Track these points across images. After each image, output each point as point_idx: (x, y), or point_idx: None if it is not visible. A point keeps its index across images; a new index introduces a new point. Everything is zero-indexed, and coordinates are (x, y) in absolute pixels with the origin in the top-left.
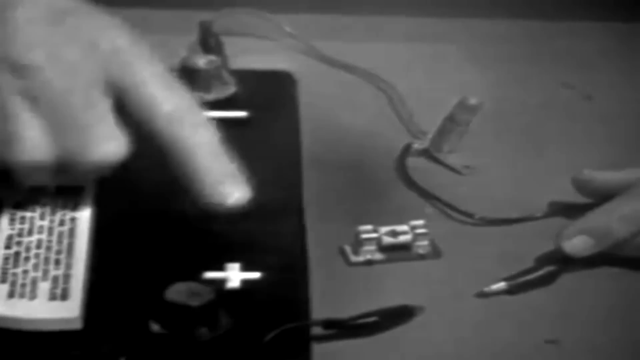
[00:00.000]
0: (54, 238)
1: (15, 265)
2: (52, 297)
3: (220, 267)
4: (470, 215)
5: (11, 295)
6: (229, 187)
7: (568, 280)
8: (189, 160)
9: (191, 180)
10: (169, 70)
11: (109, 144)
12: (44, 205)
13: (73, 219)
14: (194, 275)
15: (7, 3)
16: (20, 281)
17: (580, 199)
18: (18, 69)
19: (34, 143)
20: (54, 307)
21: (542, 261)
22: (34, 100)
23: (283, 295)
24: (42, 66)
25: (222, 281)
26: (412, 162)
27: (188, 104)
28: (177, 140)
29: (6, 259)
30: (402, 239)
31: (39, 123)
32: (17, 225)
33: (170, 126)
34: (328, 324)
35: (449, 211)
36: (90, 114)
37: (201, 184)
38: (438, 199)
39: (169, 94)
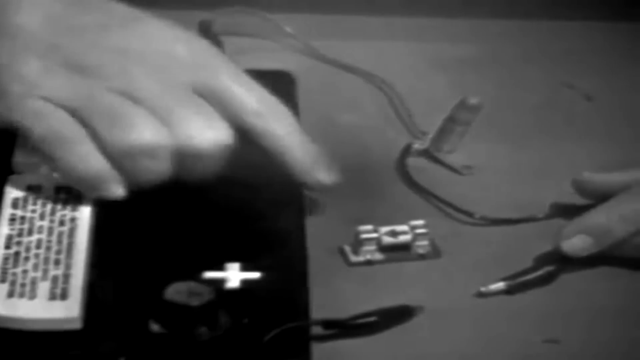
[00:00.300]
0: (54, 238)
1: (15, 265)
2: (52, 296)
3: (220, 267)
4: (470, 215)
5: (11, 295)
6: (321, 170)
7: (567, 280)
8: (282, 150)
9: (286, 167)
10: (241, 68)
11: (213, 132)
12: (44, 204)
13: (73, 219)
14: (194, 275)
15: (76, 10)
16: (20, 281)
17: (579, 199)
18: (109, 75)
19: (150, 126)
20: (53, 307)
21: (541, 261)
22: (133, 98)
23: (283, 295)
24: (132, 69)
25: (222, 281)
26: (412, 162)
27: (269, 98)
28: (267, 132)
29: (6, 258)
30: (402, 239)
31: (147, 113)
32: (17, 226)
33: (259, 120)
34: (328, 323)
35: (449, 211)
36: (189, 106)
37: (296, 170)
38: (438, 199)
39: (251, 91)
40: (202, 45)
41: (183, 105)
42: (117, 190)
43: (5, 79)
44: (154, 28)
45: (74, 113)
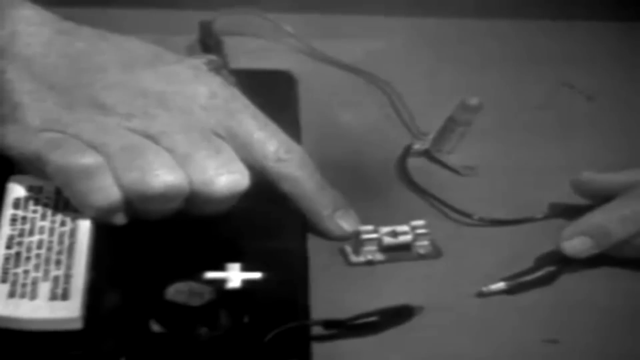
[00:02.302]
0: (55, 238)
1: (16, 265)
2: (53, 297)
3: (220, 267)
4: (470, 216)
5: (12, 295)
6: (341, 218)
7: (567, 280)
8: (302, 196)
9: (305, 213)
10: (258, 109)
11: (230, 177)
12: (45, 205)
13: (74, 220)
14: (194, 275)
15: (98, 49)
16: (21, 281)
17: (579, 200)
18: (130, 113)
19: (168, 171)
20: (54, 307)
21: (541, 261)
22: (153, 138)
23: (283, 295)
24: (153, 110)
25: (222, 281)
26: (412, 162)
27: (290, 143)
28: (288, 178)
29: (7, 259)
30: (403, 239)
31: (166, 153)
32: (19, 226)
33: (280, 165)
34: (328, 324)
35: (449, 211)
36: (208, 149)
37: (314, 217)
38: (438, 200)
39: (272, 136)
40: (224, 88)
41: (202, 149)
42: (122, 220)
43: (25, 113)
44: (176, 69)
45: (95, 149)
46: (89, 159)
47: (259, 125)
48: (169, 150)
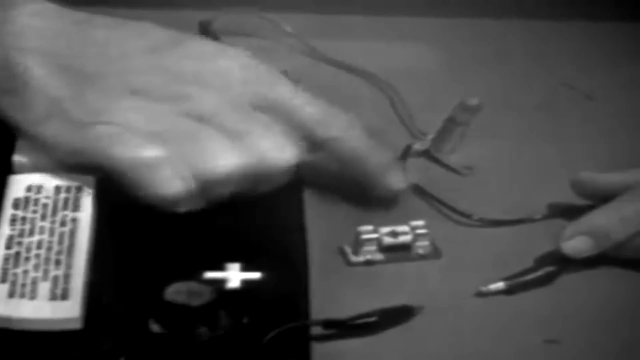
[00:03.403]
0: (55, 238)
1: (16, 265)
2: (53, 297)
3: (220, 267)
4: (469, 216)
5: (11, 295)
6: (393, 175)
7: (567, 280)
8: (355, 156)
9: (359, 174)
10: (291, 81)
11: (284, 150)
12: (45, 205)
13: (74, 220)
14: (194, 275)
15: (122, 36)
16: (20, 281)
17: (579, 200)
18: (169, 97)
19: (228, 150)
20: (54, 307)
21: (541, 261)
22: (205, 120)
23: (283, 296)
24: (192, 90)
25: (222, 281)
26: (412, 162)
27: (330, 108)
28: (338, 140)
29: (6, 259)
30: (403, 239)
31: (220, 134)
32: (18, 226)
33: (328, 129)
34: (328, 324)
35: (449, 212)
36: (257, 125)
37: (368, 177)
38: (438, 199)
39: (311, 102)
40: (251, 60)
41: (249, 123)
42: (190, 207)
43: (65, 108)
44: (201, 47)
45: (150, 138)
46: (151, 152)
47: (294, 92)
48: (222, 131)
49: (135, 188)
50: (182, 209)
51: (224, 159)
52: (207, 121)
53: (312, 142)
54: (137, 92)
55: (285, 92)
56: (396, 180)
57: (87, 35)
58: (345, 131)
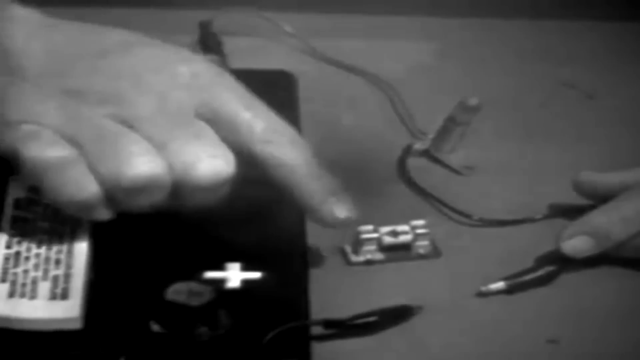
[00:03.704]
0: (55, 238)
1: (16, 265)
2: (52, 296)
3: (220, 267)
4: (469, 216)
5: (11, 294)
6: (337, 204)
7: (568, 280)
8: (293, 182)
9: (296, 200)
10: (247, 90)
11: (213, 162)
12: (45, 205)
13: (74, 219)
14: (194, 275)
15: (76, 38)
16: (20, 281)
17: (580, 199)
18: (104, 99)
19: (146, 158)
20: (54, 307)
21: (541, 261)
22: (129, 124)
23: (283, 295)
24: (127, 92)
25: (222, 281)
26: (412, 162)
27: (280, 123)
28: (277, 161)
29: (7, 258)
30: (403, 238)
31: (143, 140)
32: (19, 226)
33: (269, 148)
34: (328, 323)
35: (449, 212)
36: (188, 131)
37: (306, 204)
38: (438, 199)
39: (260, 115)
40: (207, 66)
41: (181, 131)
42: (106, 215)
43: (2, 106)
44: (155, 50)
45: (69, 139)
46: (60, 151)
47: (246, 104)
48: (146, 137)
49: (45, 190)
50: (100, 216)
51: (137, 166)
52: (137, 126)
53: (249, 158)
54: (71, 93)
55: (232, 105)
56: (340, 210)
57: (47, 38)
58: (289, 153)
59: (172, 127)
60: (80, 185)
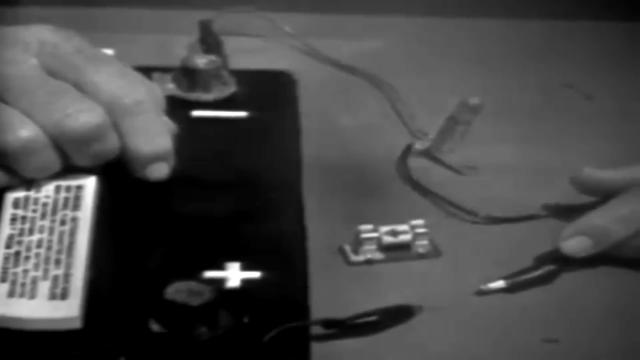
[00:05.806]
0: (55, 237)
1: (16, 264)
2: (52, 296)
3: (220, 267)
4: (475, 214)
5: (11, 294)
6: (155, 166)
7: (567, 279)
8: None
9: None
10: (103, 56)
11: (82, 114)
12: (45, 204)
13: (74, 219)
14: (194, 274)
15: None
16: (20, 280)
17: (580, 199)
18: None
19: (20, 123)
20: (53, 307)
21: (541, 261)
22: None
23: (283, 295)
24: None
25: (222, 280)
26: (413, 162)
27: (122, 88)
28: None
29: (6, 258)
30: (402, 238)
31: (14, 110)
32: (18, 225)
33: (110, 112)
34: (328, 323)
35: (449, 211)
36: (49, 93)
37: (131, 163)
38: (442, 197)
39: (104, 80)
40: (52, 32)
41: (41, 96)
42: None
43: None
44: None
45: None
46: None
47: (90, 67)
48: (13, 105)
49: None
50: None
51: (13, 133)
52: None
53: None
54: None
55: (79, 67)
56: (156, 169)
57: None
58: (127, 115)
59: (31, 91)
60: None
